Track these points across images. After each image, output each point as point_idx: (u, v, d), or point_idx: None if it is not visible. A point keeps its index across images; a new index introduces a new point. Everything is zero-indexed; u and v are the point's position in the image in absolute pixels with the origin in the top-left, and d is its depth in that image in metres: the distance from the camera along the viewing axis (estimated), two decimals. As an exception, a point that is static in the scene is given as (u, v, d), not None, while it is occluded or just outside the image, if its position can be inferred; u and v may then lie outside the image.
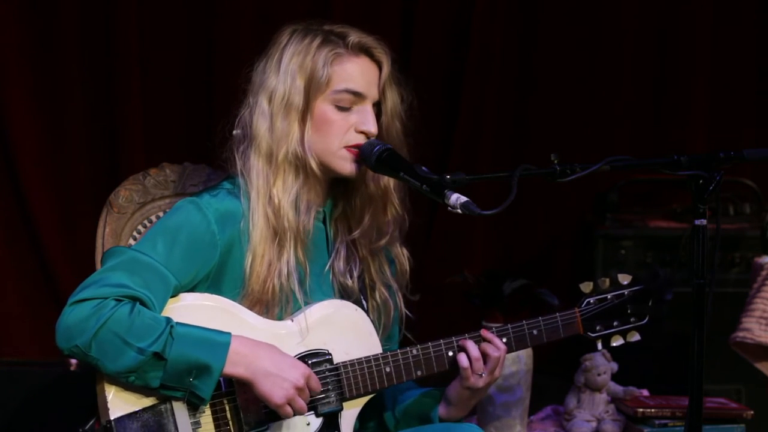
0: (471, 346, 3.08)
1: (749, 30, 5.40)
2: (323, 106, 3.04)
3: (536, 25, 5.38)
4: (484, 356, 3.08)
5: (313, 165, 3.04)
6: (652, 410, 4.09)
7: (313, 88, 3.03)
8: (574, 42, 5.36)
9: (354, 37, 3.06)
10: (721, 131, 5.39)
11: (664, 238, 4.92)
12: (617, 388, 4.14)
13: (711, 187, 2.95)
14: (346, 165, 3.06)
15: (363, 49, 3.06)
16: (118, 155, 5.11)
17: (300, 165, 3.04)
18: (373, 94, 3.07)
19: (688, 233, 4.77)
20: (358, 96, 3.05)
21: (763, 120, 5.41)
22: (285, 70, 3.04)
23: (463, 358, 3.07)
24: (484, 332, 3.10)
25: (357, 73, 3.05)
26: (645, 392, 4.23)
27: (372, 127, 3.05)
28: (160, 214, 3.26)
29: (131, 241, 3.23)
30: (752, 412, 4.10)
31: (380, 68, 3.09)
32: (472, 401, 3.13)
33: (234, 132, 3.10)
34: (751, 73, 5.43)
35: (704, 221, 2.94)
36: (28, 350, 5.07)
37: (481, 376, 3.07)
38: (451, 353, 3.09)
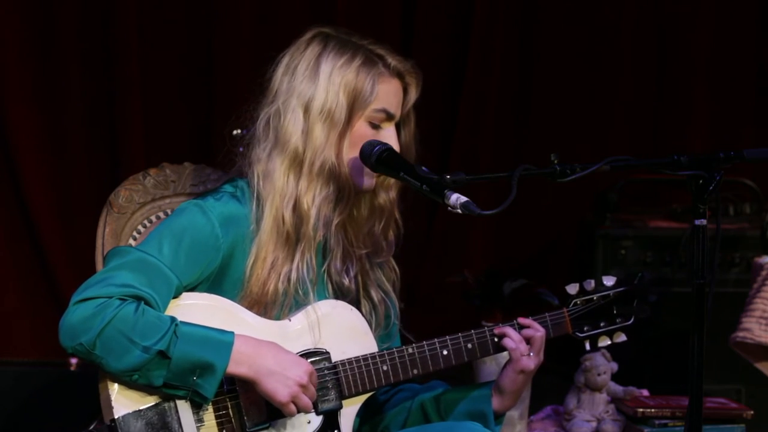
0: (510, 330, 3.12)
1: (749, 30, 5.40)
2: (360, 123, 3.07)
3: (536, 25, 5.38)
4: (527, 340, 3.12)
5: (346, 179, 3.06)
6: (652, 410, 4.09)
7: (356, 105, 3.05)
8: (574, 42, 5.36)
9: (392, 60, 3.09)
10: (721, 131, 5.40)
11: (664, 238, 4.92)
12: (617, 388, 4.14)
13: (711, 187, 2.95)
14: (368, 180, 3.09)
15: (398, 73, 3.10)
16: (118, 155, 5.11)
17: (333, 177, 3.05)
18: (398, 115, 3.12)
19: (688, 233, 4.77)
20: (390, 116, 3.09)
21: (763, 120, 5.41)
22: (327, 81, 3.04)
23: (509, 341, 3.11)
24: (520, 319, 3.14)
25: (392, 94, 3.09)
26: (645, 392, 4.23)
27: (397, 148, 3.09)
28: (160, 214, 3.26)
29: (131, 241, 3.23)
30: (752, 412, 4.11)
31: (406, 91, 3.12)
32: (523, 387, 3.16)
33: (255, 129, 3.09)
34: (751, 73, 5.43)
35: (704, 221, 2.94)
36: (28, 350, 5.07)
37: (529, 357, 3.10)
38: (445, 352, 3.11)
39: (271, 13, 5.10)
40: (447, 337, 3.12)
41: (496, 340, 3.14)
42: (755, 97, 5.43)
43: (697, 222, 2.95)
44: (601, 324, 3.21)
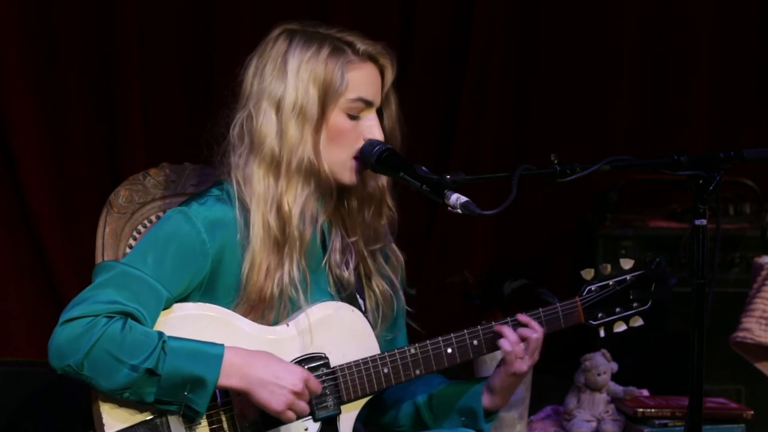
0: (508, 330, 3.08)
1: (749, 30, 5.41)
2: (336, 115, 3.02)
3: (536, 26, 5.38)
4: (523, 340, 3.08)
5: (326, 174, 3.02)
6: (652, 410, 4.09)
7: (328, 97, 3.00)
8: (574, 42, 5.36)
9: (361, 45, 3.03)
10: (721, 131, 5.40)
11: (664, 238, 4.92)
12: (617, 388, 4.14)
13: (711, 187, 2.94)
14: (353, 175, 3.05)
15: (370, 57, 3.05)
16: (118, 155, 5.11)
17: (313, 174, 3.01)
18: (378, 101, 3.06)
19: (688, 233, 4.77)
20: (368, 104, 3.04)
21: (763, 120, 5.41)
22: (295, 77, 2.99)
23: (505, 343, 3.07)
24: (520, 316, 3.10)
25: (367, 81, 3.03)
26: (645, 392, 4.23)
27: (380, 135, 3.04)
28: (160, 214, 3.25)
29: (131, 242, 3.23)
30: (752, 412, 4.11)
31: (382, 74, 3.07)
32: (515, 388, 3.13)
33: (229, 135, 3.06)
34: (751, 73, 5.43)
35: (704, 221, 2.94)
36: (28, 350, 5.07)
37: (523, 359, 3.07)
38: (450, 350, 3.08)
39: (271, 13, 5.10)
40: (452, 334, 3.08)
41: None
42: (755, 97, 5.43)
43: (697, 222, 2.94)
44: (617, 309, 3.16)
